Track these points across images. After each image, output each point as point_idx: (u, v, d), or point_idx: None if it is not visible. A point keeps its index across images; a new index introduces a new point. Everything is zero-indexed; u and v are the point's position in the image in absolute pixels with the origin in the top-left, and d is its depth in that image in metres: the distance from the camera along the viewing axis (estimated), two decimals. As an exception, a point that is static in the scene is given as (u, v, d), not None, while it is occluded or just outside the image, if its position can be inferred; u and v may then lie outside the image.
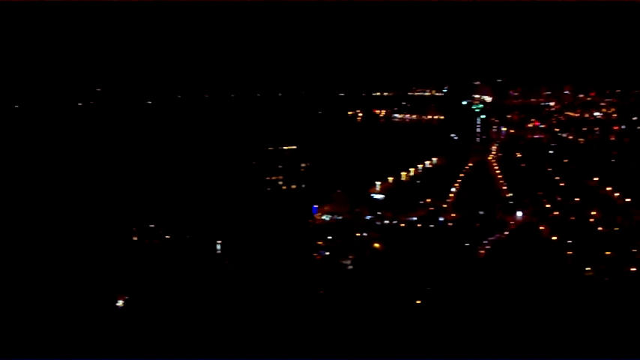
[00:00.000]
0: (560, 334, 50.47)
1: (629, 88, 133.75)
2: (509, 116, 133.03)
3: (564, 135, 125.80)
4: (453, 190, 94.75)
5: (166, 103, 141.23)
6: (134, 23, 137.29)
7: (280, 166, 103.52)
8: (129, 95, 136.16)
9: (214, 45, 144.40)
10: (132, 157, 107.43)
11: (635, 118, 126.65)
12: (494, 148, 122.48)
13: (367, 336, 50.89)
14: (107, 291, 59.16)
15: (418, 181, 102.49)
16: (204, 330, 52.27)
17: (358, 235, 75.97)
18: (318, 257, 70.20)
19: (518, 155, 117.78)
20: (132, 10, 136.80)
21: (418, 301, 57.16)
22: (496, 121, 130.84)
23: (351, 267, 67.36)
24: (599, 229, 76.47)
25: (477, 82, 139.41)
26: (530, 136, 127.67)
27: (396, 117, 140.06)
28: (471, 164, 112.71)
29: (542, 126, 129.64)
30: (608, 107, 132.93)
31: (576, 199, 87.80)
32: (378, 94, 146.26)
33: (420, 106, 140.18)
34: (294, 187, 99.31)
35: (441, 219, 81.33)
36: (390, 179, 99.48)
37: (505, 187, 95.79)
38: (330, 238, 74.12)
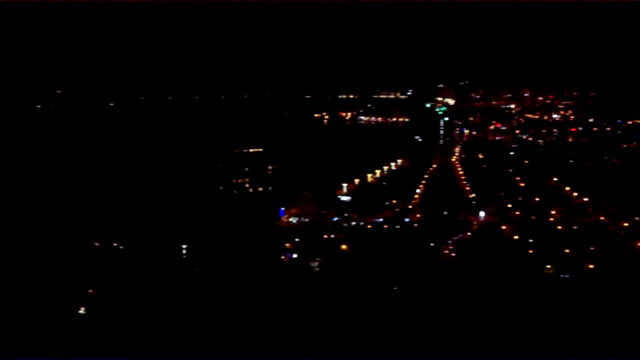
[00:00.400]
0: (522, 332, 51.79)
1: (586, 90, 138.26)
2: (471, 118, 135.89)
3: (524, 136, 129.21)
4: (417, 191, 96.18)
5: (129, 105, 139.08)
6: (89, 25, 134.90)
7: (247, 169, 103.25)
8: (91, 98, 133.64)
9: (178, 48, 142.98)
10: (95, 160, 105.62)
11: (591, 120, 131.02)
12: (457, 149, 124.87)
13: (335, 337, 51.27)
14: (68, 297, 58.19)
15: (384, 183, 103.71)
16: (171, 334, 51.78)
17: (325, 236, 76.34)
18: (285, 260, 70.21)
19: (481, 156, 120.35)
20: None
21: (385, 301, 57.83)
22: (459, 123, 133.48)
23: (318, 269, 67.57)
24: (559, 228, 78.68)
25: (441, 85, 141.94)
26: (491, 138, 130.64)
27: (361, 119, 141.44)
28: (435, 165, 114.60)
29: (504, 128, 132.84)
30: (566, 109, 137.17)
31: (537, 199, 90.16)
32: (344, 96, 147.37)
33: (386, 108, 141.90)
34: (260, 189, 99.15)
35: (407, 220, 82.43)
36: (357, 181, 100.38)
37: (468, 188, 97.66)
38: (297, 240, 74.23)
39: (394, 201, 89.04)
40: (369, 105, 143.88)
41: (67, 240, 72.19)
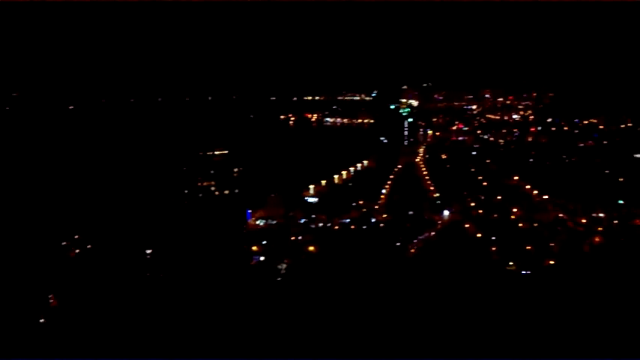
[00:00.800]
0: (487, 329, 53.00)
1: (544, 91, 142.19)
2: (434, 119, 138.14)
3: (486, 136, 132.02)
4: (383, 191, 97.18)
5: (91, 107, 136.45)
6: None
7: (212, 172, 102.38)
8: (52, 99, 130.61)
9: (142, 49, 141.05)
10: (59, 163, 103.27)
11: (550, 120, 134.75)
12: (421, 150, 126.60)
13: (304, 338, 51.51)
14: (33, 298, 57.16)
15: (350, 184, 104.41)
16: (140, 336, 51.21)
17: (293, 238, 76.42)
18: (253, 263, 69.97)
19: (444, 157, 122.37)
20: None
21: (354, 301, 58.31)
22: (422, 124, 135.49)
23: (285, 271, 67.53)
24: (520, 225, 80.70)
25: (404, 87, 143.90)
26: (454, 138, 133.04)
27: (327, 121, 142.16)
28: (400, 166, 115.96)
29: (466, 128, 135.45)
30: (525, 110, 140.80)
31: (498, 198, 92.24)
32: (310, 98, 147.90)
33: (351, 110, 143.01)
34: (227, 192, 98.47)
35: (373, 220, 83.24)
36: (323, 182, 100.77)
37: (432, 188, 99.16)
38: (264, 242, 74.08)
39: (361, 202, 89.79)
40: (334, 106, 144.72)
41: (29, 241, 70.75)
